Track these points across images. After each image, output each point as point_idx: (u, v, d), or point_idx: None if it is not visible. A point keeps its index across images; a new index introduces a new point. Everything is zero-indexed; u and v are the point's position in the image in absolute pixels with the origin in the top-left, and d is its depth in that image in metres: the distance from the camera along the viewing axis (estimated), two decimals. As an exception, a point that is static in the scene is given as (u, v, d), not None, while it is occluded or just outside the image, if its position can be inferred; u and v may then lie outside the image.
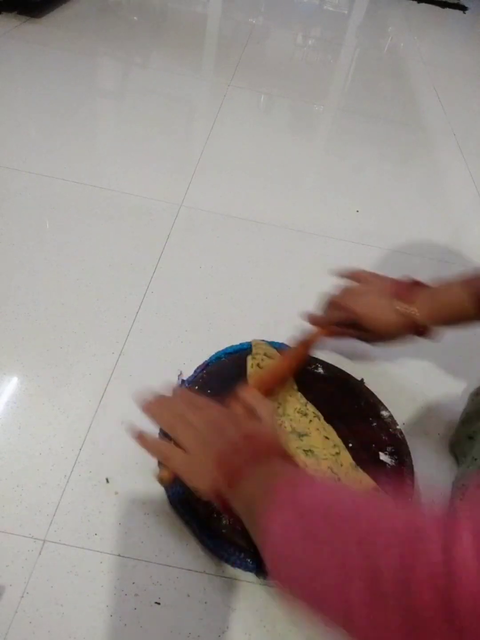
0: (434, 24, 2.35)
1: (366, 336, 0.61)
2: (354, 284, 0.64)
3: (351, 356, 0.70)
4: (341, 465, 0.55)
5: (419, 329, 0.57)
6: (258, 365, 0.63)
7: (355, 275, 0.65)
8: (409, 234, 0.98)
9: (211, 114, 1.24)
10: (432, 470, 0.60)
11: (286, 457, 0.42)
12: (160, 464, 0.51)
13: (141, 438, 0.47)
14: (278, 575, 0.33)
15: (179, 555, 0.49)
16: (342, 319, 0.62)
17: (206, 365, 0.65)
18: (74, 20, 1.56)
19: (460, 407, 0.65)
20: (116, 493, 0.53)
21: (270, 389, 0.59)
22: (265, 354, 0.65)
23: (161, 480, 0.47)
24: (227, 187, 1.00)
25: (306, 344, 0.64)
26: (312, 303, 0.79)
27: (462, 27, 2.42)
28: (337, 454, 0.55)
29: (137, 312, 0.72)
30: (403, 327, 0.57)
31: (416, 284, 0.59)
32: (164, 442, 0.47)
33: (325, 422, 0.58)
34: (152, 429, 0.49)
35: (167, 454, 0.45)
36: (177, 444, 0.45)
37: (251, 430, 0.44)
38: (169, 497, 0.52)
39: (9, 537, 0.48)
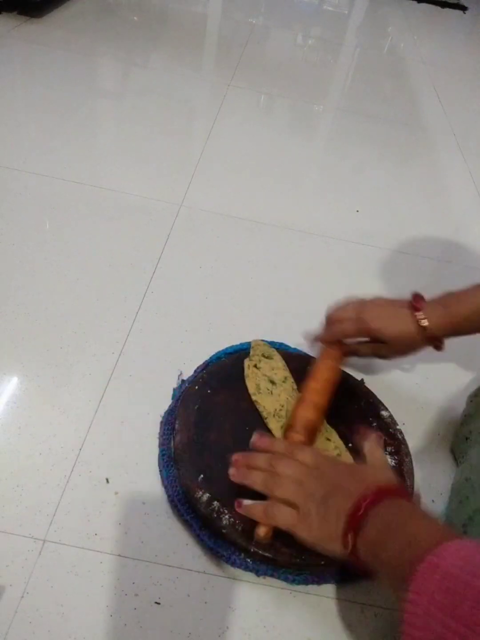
0: (434, 24, 2.35)
1: (382, 351, 0.60)
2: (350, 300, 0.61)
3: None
4: None
5: (435, 340, 0.57)
6: (255, 366, 0.63)
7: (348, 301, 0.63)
8: (409, 234, 0.98)
9: (211, 114, 1.24)
10: (432, 470, 0.60)
11: (404, 494, 0.41)
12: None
13: (240, 506, 0.46)
14: None
15: (179, 555, 0.49)
16: (355, 333, 0.59)
17: (206, 365, 0.65)
18: (74, 20, 1.56)
19: (460, 407, 0.65)
20: (116, 493, 0.53)
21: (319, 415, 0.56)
22: (262, 355, 0.64)
23: (259, 537, 0.46)
24: (227, 187, 1.00)
25: (333, 357, 0.60)
26: (312, 303, 0.79)
27: (462, 27, 2.42)
28: (339, 455, 0.55)
29: (137, 312, 0.72)
30: (421, 339, 0.56)
31: (421, 297, 0.58)
32: (264, 503, 0.45)
33: (327, 424, 0.58)
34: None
35: (273, 514, 0.44)
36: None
37: (356, 470, 0.43)
38: (168, 497, 0.52)
39: (9, 537, 0.48)
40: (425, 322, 0.55)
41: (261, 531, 0.45)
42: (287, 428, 0.54)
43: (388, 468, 0.48)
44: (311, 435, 0.53)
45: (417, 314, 0.56)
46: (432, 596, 0.31)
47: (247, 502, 0.46)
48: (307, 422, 0.54)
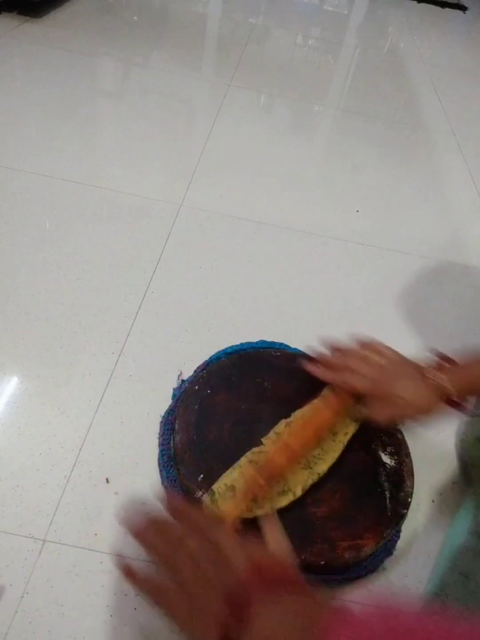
0: (434, 24, 2.35)
1: (396, 408, 0.53)
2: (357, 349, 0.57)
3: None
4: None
5: (453, 402, 0.52)
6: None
7: (364, 345, 0.58)
8: (409, 234, 0.98)
9: (211, 114, 1.24)
10: (432, 470, 0.60)
11: (303, 588, 0.38)
12: (208, 495, 0.47)
13: (130, 575, 0.40)
14: None
15: (179, 555, 0.49)
16: (366, 394, 0.55)
17: (206, 365, 0.65)
18: (74, 20, 1.56)
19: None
20: (116, 493, 0.53)
21: (289, 460, 0.52)
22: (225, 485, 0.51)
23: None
24: (227, 187, 1.00)
25: (337, 410, 0.56)
26: (312, 303, 0.79)
27: (462, 27, 2.42)
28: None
29: (137, 312, 0.72)
30: (436, 399, 0.51)
31: (448, 360, 0.54)
32: (157, 580, 0.39)
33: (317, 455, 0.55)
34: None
35: (160, 592, 0.38)
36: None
37: (261, 559, 0.38)
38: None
39: (9, 537, 0.48)
40: (443, 383, 0.51)
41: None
42: (257, 468, 0.50)
43: (285, 547, 0.44)
44: (273, 481, 0.50)
45: (434, 374, 0.52)
46: None
47: (141, 572, 0.40)
48: (274, 469, 0.50)
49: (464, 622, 0.28)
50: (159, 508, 0.42)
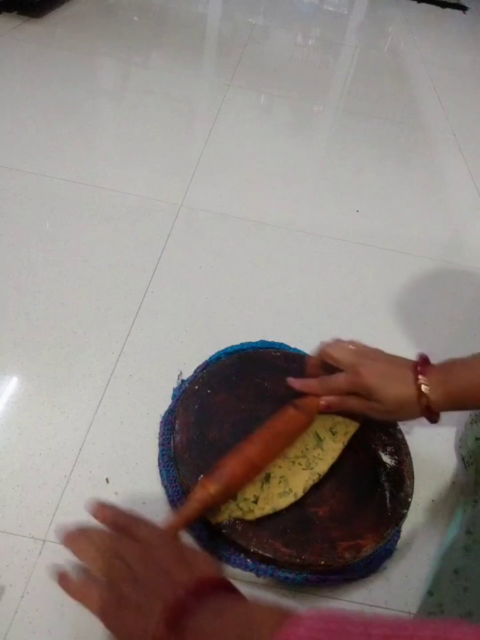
0: (434, 24, 2.35)
1: (374, 408, 0.51)
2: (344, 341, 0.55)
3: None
4: None
5: (431, 411, 0.49)
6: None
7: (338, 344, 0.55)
8: (409, 234, 0.98)
9: (211, 114, 1.24)
10: (432, 470, 0.60)
11: (232, 589, 0.37)
12: None
13: (63, 580, 0.40)
14: None
15: (179, 555, 0.49)
16: (347, 386, 0.52)
17: (206, 365, 0.65)
18: (74, 20, 1.56)
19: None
20: (116, 493, 0.53)
21: (245, 471, 0.50)
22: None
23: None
24: (227, 187, 1.00)
25: (297, 407, 0.54)
26: (312, 303, 0.79)
27: (462, 27, 2.42)
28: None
29: (137, 312, 0.72)
30: (419, 405, 0.49)
31: (427, 361, 0.51)
32: (91, 584, 0.38)
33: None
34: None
35: (89, 595, 0.38)
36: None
37: (202, 569, 0.38)
38: (168, 497, 0.52)
39: (9, 537, 0.48)
40: (426, 389, 0.48)
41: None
42: (207, 476, 0.49)
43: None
44: (228, 491, 0.48)
45: (420, 377, 0.49)
46: None
47: (73, 578, 0.40)
48: (230, 478, 0.48)
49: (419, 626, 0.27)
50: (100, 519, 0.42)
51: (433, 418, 0.49)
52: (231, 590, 0.38)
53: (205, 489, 0.47)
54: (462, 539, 0.47)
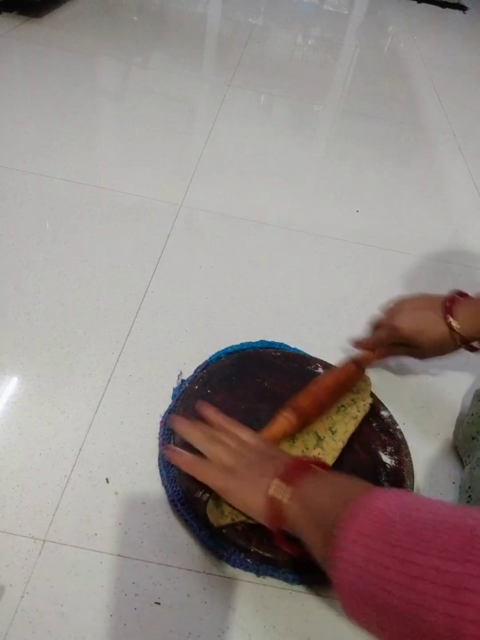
0: (434, 24, 2.35)
1: (416, 353, 0.60)
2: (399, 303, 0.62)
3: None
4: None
5: (468, 343, 0.55)
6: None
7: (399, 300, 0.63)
8: (409, 234, 0.98)
9: (211, 114, 1.24)
10: (432, 470, 0.60)
11: (326, 466, 0.44)
12: (213, 499, 0.49)
13: (172, 452, 0.47)
14: (353, 591, 0.30)
15: (179, 555, 0.49)
16: (389, 339, 0.61)
17: (206, 365, 0.65)
18: (74, 20, 1.56)
19: (461, 406, 0.65)
20: (116, 493, 0.53)
21: (316, 407, 0.56)
22: None
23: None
24: (227, 187, 1.00)
25: (357, 363, 0.61)
26: (312, 303, 0.79)
27: (462, 27, 2.42)
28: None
29: (137, 312, 0.72)
30: (452, 342, 0.56)
31: (462, 295, 0.57)
32: (203, 460, 0.46)
33: (326, 428, 0.57)
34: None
35: (203, 468, 0.45)
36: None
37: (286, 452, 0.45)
38: (168, 497, 0.52)
39: (9, 537, 0.48)
40: (456, 325, 0.54)
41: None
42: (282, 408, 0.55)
43: None
44: (300, 422, 0.54)
45: (448, 317, 0.55)
46: (360, 530, 0.30)
47: (177, 449, 0.48)
48: (301, 409, 0.54)
49: None
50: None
51: (473, 349, 0.56)
52: (325, 467, 0.44)
53: (286, 419, 0.52)
54: None
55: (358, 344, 0.65)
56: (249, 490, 0.42)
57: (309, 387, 0.57)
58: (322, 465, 0.44)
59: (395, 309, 0.60)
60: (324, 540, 0.34)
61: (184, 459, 0.48)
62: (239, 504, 0.43)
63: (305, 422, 0.54)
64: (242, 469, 0.43)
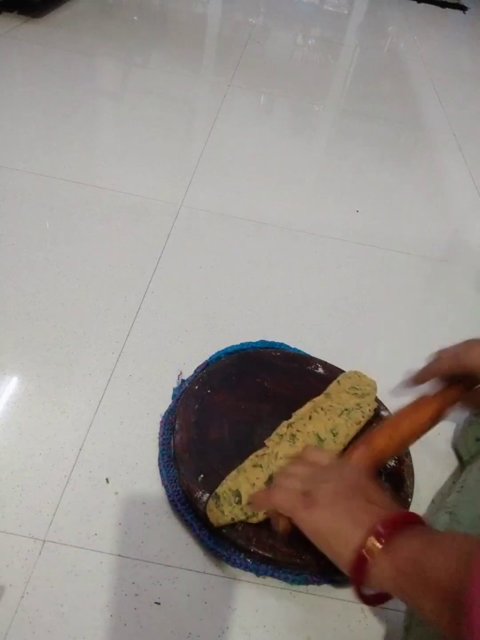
0: (434, 24, 2.35)
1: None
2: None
3: (351, 356, 0.70)
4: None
5: None
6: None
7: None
8: (409, 234, 0.98)
9: (211, 114, 1.24)
10: (432, 470, 0.60)
11: (422, 521, 0.39)
12: (213, 499, 0.48)
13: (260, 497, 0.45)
14: None
15: (179, 555, 0.49)
16: (448, 372, 0.54)
17: (206, 365, 0.65)
18: (74, 20, 1.56)
19: (460, 406, 0.65)
20: (116, 493, 0.53)
21: (402, 442, 0.51)
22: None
23: (277, 528, 0.44)
24: (227, 187, 1.00)
25: (445, 399, 0.53)
26: (312, 303, 0.79)
27: (462, 27, 2.42)
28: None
29: (137, 312, 0.72)
30: None
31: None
32: (291, 492, 0.42)
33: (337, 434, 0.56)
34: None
35: (274, 495, 0.43)
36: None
37: (370, 481, 0.41)
38: (169, 497, 0.52)
39: (9, 537, 0.48)
40: None
41: (280, 524, 0.44)
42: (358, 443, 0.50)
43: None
44: (376, 462, 0.49)
45: None
46: None
47: (263, 492, 0.46)
48: (377, 450, 0.49)
49: None
50: None
51: None
52: (416, 519, 0.39)
53: (373, 445, 0.48)
54: (444, 520, 0.47)
55: (414, 380, 0.57)
56: (335, 534, 0.38)
57: (391, 420, 0.52)
58: (414, 517, 0.39)
59: (465, 344, 0.55)
60: (443, 604, 0.31)
61: (259, 495, 0.46)
62: (320, 544, 0.40)
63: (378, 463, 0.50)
64: (324, 499, 0.40)
